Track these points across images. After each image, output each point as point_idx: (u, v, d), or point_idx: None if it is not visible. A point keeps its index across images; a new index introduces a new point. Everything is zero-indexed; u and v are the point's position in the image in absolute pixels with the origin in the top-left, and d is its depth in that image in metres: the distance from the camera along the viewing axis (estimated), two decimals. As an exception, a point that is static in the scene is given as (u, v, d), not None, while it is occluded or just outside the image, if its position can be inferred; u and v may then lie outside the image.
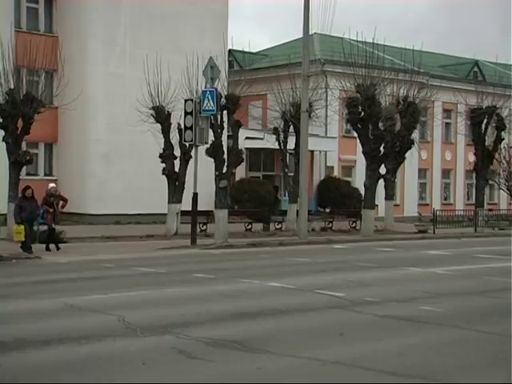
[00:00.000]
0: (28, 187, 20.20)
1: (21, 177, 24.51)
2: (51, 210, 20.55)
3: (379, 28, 31.56)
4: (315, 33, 33.65)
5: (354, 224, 31.00)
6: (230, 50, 36.25)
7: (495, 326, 9.75)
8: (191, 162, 24.21)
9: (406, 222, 33.98)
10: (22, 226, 19.41)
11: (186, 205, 24.24)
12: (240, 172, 35.98)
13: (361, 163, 31.95)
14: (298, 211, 27.02)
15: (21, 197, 20.43)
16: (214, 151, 23.67)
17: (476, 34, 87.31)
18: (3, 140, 24.06)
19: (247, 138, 34.40)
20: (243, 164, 31.59)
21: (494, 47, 43.67)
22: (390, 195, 31.94)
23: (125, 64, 31.99)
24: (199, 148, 22.97)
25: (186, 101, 22.86)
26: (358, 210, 30.60)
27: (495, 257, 19.90)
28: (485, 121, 33.19)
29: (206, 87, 22.91)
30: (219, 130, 23.87)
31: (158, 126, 26.37)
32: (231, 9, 35.24)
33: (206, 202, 26.15)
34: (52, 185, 21.76)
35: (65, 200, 21.14)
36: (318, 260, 18.73)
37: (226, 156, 24.50)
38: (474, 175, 34.63)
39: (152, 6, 32.70)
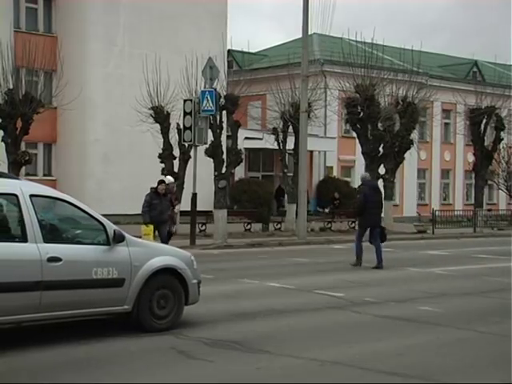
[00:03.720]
0: (162, 182, 17.45)
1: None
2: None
3: (390, 28, 31.61)
4: (314, 33, 33.62)
5: (354, 224, 30.93)
6: (229, 50, 36.23)
7: (495, 326, 9.75)
8: (190, 162, 24.19)
9: (405, 222, 33.95)
10: (152, 227, 16.99)
11: (185, 205, 24.22)
12: (239, 172, 35.96)
13: (360, 163, 31.93)
14: (297, 211, 27.00)
15: (152, 192, 17.33)
16: (213, 151, 23.68)
17: (494, 32, 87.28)
18: (2, 140, 24.01)
19: (246, 138, 34.37)
20: (242, 164, 31.51)
21: (505, 46, 43.71)
22: (389, 195, 31.86)
23: (124, 64, 31.97)
24: (198, 148, 22.95)
25: (185, 101, 22.85)
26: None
27: (494, 257, 19.90)
28: (484, 121, 33.20)
29: (205, 87, 22.89)
30: (218, 130, 23.89)
31: (157, 126, 26.34)
32: (243, 7, 35.31)
33: (206, 202, 26.14)
34: (170, 178, 18.74)
35: (178, 201, 18.75)
36: (318, 260, 18.73)
37: (225, 156, 24.51)
38: (473, 175, 34.64)
39: (151, 7, 32.66)
